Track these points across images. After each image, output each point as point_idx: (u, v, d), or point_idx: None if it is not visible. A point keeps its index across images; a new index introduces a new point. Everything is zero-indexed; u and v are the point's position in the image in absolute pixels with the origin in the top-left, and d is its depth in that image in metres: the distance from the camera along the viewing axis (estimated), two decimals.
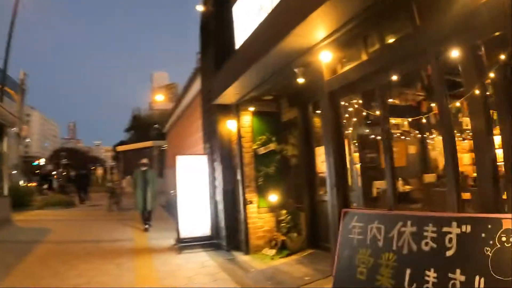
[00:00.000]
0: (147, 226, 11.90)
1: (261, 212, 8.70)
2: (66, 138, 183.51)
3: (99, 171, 39.54)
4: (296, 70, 6.17)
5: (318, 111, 8.15)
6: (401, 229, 4.24)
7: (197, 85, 12.10)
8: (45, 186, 27.53)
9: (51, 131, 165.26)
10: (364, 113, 6.84)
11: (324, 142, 5.90)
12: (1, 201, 13.64)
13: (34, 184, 29.66)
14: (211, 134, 9.69)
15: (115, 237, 10.93)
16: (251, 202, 8.54)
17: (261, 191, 8.76)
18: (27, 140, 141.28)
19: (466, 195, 4.58)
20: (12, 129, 15.50)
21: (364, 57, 5.19)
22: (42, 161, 67.58)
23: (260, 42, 6.22)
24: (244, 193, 8.52)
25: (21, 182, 23.02)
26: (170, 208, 16.38)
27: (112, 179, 22.18)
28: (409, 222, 4.17)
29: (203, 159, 9.66)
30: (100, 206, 20.00)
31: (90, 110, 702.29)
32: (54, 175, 29.80)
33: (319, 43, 5.36)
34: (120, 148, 36.88)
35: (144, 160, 12.51)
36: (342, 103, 6.11)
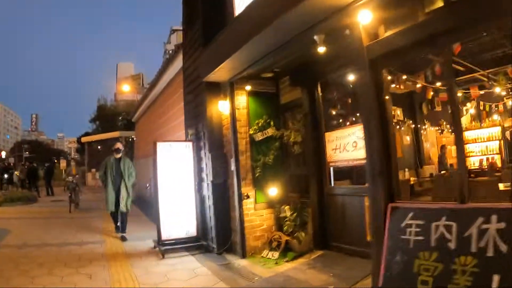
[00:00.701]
0: (122, 234, 9.22)
1: (258, 208, 7.50)
2: (28, 130, 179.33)
3: (63, 164, 37.41)
4: (316, 37, 5.06)
5: (328, 91, 7.14)
6: (482, 226, 3.30)
7: (177, 65, 10.80)
8: (5, 180, 25.54)
9: (13, 123, 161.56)
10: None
11: (364, 121, 4.69)
12: None
13: None
14: (196, 118, 8.37)
15: (84, 238, 9.39)
16: (247, 197, 7.28)
17: (258, 184, 7.54)
18: None
19: None
20: None
21: (420, 17, 4.02)
22: (3, 154, 65.14)
23: (273, 3, 5.07)
24: (240, 186, 7.25)
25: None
26: (142, 204, 15.14)
27: (70, 172, 20.63)
28: (493, 217, 3.23)
29: (188, 146, 8.28)
30: (64, 202, 18.40)
31: (53, 102, 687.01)
32: (14, 168, 27.88)
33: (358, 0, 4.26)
34: (85, 139, 35.07)
35: (118, 145, 9.75)
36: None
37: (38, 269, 6.62)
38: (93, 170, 31.60)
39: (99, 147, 33.10)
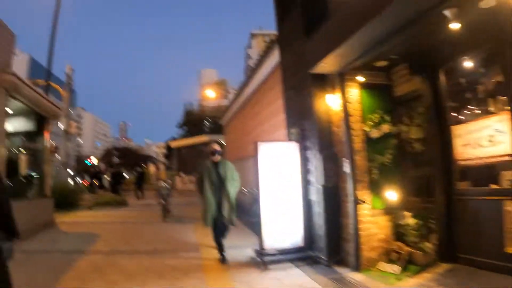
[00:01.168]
0: (223, 254, 7.45)
1: (374, 214, 6.57)
2: (117, 137, 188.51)
3: (152, 168, 38.18)
4: (447, 11, 4.27)
5: (454, 78, 6.21)
6: None
7: (271, 62, 10.15)
8: (96, 185, 26.43)
9: (103, 131, 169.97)
10: None
11: None
12: (42, 202, 11.90)
13: (85, 182, 28.94)
14: (301, 115, 7.56)
15: (176, 246, 8.93)
16: (363, 202, 6.39)
17: (374, 187, 6.64)
18: (79, 140, 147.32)
19: None
20: (55, 120, 13.87)
21: None
22: (94, 160, 68.14)
23: None
24: (354, 190, 6.38)
25: (70, 181, 21.91)
26: (237, 210, 14.49)
27: (160, 176, 20.56)
28: None
29: (292, 147, 7.45)
30: (154, 206, 18.34)
31: (140, 110, 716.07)
32: (105, 173, 28.63)
33: None
34: (173, 144, 35.46)
35: (215, 146, 7.94)
36: None
37: (127, 281, 6.14)
38: (182, 174, 31.94)
39: (187, 151, 33.45)
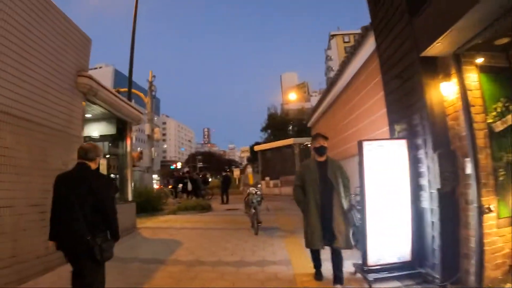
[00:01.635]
0: (319, 270, 6.34)
1: (501, 225, 5.35)
2: (201, 143, 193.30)
3: (236, 172, 37.97)
4: None
5: None
6: None
7: (366, 50, 9.20)
8: (180, 189, 26.49)
9: (187, 137, 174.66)
10: None
11: None
12: (124, 207, 11.60)
13: (169, 187, 29.16)
14: (408, 108, 6.47)
15: (265, 257, 8.08)
16: (489, 210, 5.21)
17: (501, 191, 5.39)
18: (164, 146, 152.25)
19: None
20: (137, 125, 13.60)
21: None
22: (178, 165, 69.63)
23: None
24: (479, 196, 5.22)
25: (154, 185, 22.00)
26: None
27: (247, 181, 19.78)
28: None
29: (400, 145, 6.30)
30: (238, 211, 17.72)
31: (223, 116, 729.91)
32: (189, 177, 28.54)
33: None
34: (258, 148, 34.84)
35: (321, 141, 6.20)
36: None
37: None
38: (267, 178, 31.28)
39: (272, 154, 32.80)
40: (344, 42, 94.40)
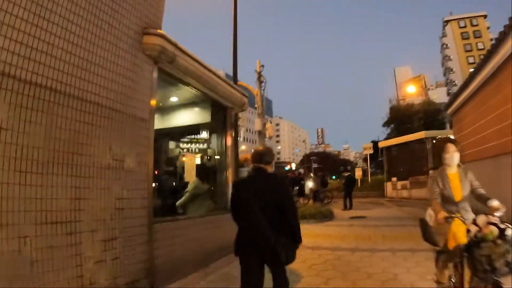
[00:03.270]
0: None
1: None
2: (315, 144, 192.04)
3: (358, 172, 33.63)
4: None
5: None
6: None
7: None
8: (295, 192, 23.10)
9: (301, 137, 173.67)
10: None
11: None
12: (221, 219, 8.24)
13: None
14: None
15: None
16: None
17: None
18: (278, 147, 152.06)
19: None
20: (240, 111, 10.98)
21: None
22: (293, 166, 67.53)
23: None
24: None
25: None
26: None
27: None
28: None
29: None
30: (366, 220, 14.39)
31: (337, 116, 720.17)
32: (305, 178, 25.51)
33: None
34: (383, 144, 30.21)
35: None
36: None
37: None
38: (394, 179, 27.12)
39: (398, 151, 28.35)
40: (460, 27, 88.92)
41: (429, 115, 42.11)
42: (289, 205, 4.25)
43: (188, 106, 9.21)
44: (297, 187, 23.09)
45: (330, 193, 24.42)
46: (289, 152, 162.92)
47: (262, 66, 21.66)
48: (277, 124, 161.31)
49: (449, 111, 16.97)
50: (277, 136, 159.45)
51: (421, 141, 25.10)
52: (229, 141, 9.62)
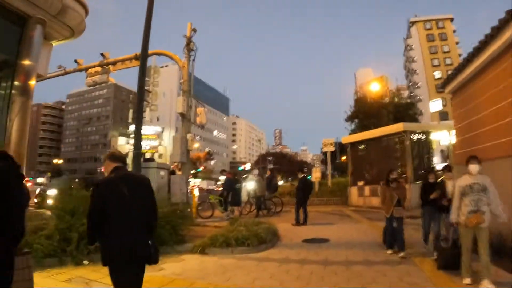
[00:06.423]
0: None
1: None
2: (272, 144, 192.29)
3: (316, 173, 27.34)
4: None
5: None
6: None
7: None
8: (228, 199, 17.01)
9: (257, 138, 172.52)
10: None
11: None
12: None
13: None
14: None
15: None
16: None
17: None
18: (234, 146, 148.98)
19: None
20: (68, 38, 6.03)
21: None
22: (247, 166, 63.49)
23: None
24: None
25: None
26: None
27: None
28: None
29: None
30: (329, 244, 9.28)
31: (294, 118, 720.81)
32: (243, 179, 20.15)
33: None
34: (348, 140, 23.68)
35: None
36: None
37: None
38: (360, 183, 21.00)
39: (367, 150, 22.11)
40: (426, 29, 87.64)
41: (400, 109, 38.28)
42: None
43: None
44: (231, 192, 16.74)
45: (280, 199, 18.77)
46: (245, 152, 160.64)
47: (194, 30, 16.29)
48: (234, 123, 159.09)
49: (448, 89, 11.75)
50: (233, 135, 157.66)
51: (398, 135, 19.81)
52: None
